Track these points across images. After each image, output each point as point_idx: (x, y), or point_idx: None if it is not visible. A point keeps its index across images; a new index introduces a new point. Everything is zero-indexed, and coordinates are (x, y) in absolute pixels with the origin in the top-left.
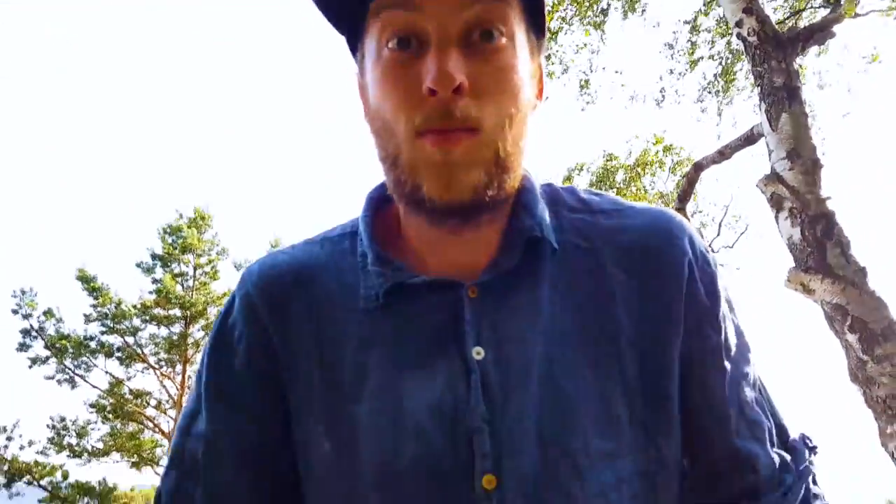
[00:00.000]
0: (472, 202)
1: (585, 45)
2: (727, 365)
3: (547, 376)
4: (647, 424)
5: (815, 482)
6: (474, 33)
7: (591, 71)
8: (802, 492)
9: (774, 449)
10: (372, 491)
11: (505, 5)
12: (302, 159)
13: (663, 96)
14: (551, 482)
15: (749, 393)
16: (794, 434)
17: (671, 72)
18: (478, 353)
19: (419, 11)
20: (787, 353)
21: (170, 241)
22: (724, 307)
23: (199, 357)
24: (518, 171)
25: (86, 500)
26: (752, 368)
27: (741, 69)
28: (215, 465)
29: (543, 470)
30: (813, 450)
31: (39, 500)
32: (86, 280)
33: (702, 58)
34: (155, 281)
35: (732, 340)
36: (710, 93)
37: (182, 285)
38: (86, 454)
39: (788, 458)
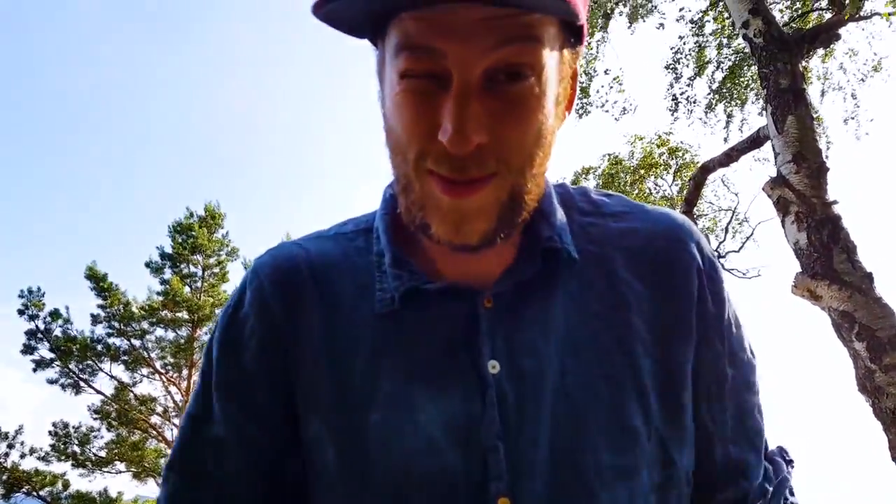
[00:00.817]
0: (481, 245)
1: (589, 44)
2: (729, 372)
3: (561, 391)
4: (663, 437)
5: (791, 493)
6: (500, 74)
7: (594, 73)
8: (781, 502)
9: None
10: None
11: (536, 42)
12: (314, 158)
13: (676, 104)
14: (565, 503)
15: (751, 400)
16: (772, 446)
17: (677, 78)
18: (493, 366)
19: (441, 56)
20: (795, 361)
21: (180, 239)
22: (728, 314)
23: None
24: (536, 199)
25: None
26: (756, 376)
27: (749, 72)
28: (225, 470)
29: (557, 491)
30: (790, 463)
31: None
32: (95, 279)
33: (709, 61)
34: (163, 282)
35: (737, 347)
36: (717, 94)
37: (190, 287)
38: (89, 464)
39: (770, 468)
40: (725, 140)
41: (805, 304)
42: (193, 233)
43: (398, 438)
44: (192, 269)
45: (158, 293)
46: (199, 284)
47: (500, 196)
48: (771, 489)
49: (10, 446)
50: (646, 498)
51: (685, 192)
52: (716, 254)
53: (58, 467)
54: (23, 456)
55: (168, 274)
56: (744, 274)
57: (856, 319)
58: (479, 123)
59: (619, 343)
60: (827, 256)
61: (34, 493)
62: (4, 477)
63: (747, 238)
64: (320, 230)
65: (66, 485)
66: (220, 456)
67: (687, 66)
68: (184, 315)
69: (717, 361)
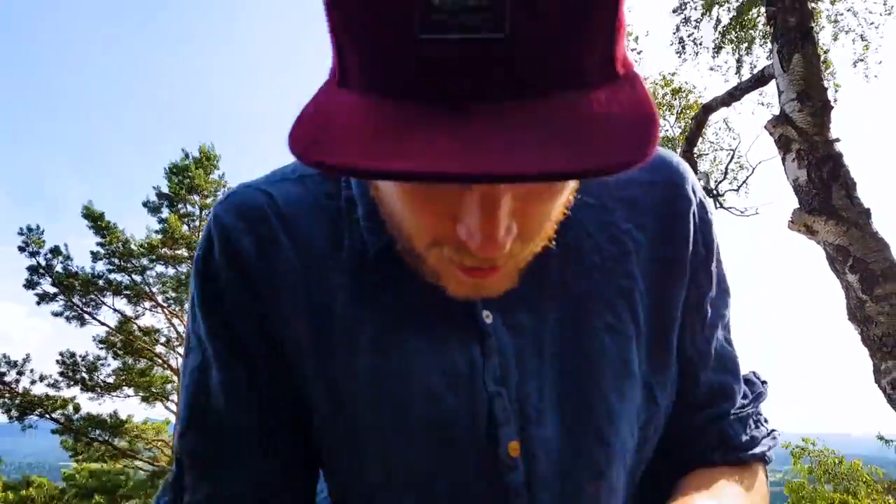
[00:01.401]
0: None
1: None
2: (711, 308)
3: (563, 342)
4: (650, 382)
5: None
6: None
7: None
8: (754, 409)
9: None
10: (375, 450)
11: None
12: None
13: (683, 47)
14: (576, 450)
15: (726, 330)
16: (745, 371)
17: (685, 21)
18: (487, 316)
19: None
20: (788, 295)
21: (176, 180)
22: (715, 251)
23: None
24: None
25: (97, 431)
26: (729, 309)
27: (757, 13)
28: (240, 418)
29: (567, 436)
30: (763, 383)
31: (52, 431)
32: (93, 217)
33: (717, 2)
34: (161, 221)
35: (720, 283)
36: (724, 37)
37: (188, 225)
38: (98, 388)
39: (746, 388)
40: (739, 85)
41: (800, 240)
42: (190, 174)
43: (389, 384)
44: (190, 208)
45: (157, 231)
46: (196, 223)
47: (519, 264)
48: (748, 402)
49: (20, 373)
50: (636, 435)
51: (687, 132)
52: (714, 192)
53: (67, 393)
54: (33, 382)
55: (165, 213)
56: (742, 212)
57: (850, 253)
58: (509, 220)
59: (622, 294)
60: (826, 193)
61: (47, 416)
62: (17, 401)
63: (747, 177)
64: (284, 170)
65: (77, 408)
66: (232, 404)
67: (695, 8)
68: (183, 252)
69: (703, 298)
